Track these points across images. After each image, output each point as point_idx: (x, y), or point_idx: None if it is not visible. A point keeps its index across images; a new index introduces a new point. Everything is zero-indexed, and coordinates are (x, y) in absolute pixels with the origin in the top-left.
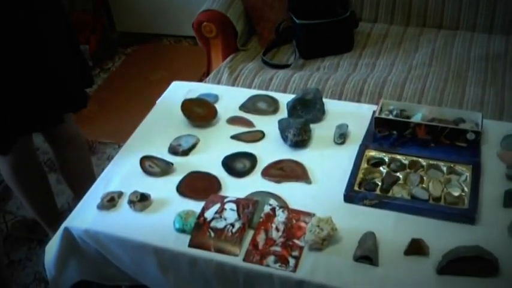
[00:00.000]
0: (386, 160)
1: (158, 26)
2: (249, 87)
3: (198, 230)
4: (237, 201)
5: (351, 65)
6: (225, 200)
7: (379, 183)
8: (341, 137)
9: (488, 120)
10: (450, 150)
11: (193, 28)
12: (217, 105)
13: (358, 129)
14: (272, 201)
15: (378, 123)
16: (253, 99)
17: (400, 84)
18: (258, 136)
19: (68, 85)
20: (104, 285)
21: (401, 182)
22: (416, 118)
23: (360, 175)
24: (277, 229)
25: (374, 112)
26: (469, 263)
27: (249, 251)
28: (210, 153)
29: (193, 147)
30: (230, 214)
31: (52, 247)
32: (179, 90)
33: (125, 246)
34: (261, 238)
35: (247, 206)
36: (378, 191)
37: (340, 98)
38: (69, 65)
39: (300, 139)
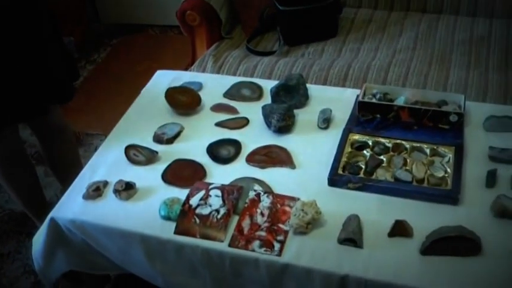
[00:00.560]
0: (370, 143)
1: (143, 16)
2: (234, 74)
3: (184, 217)
4: (222, 188)
5: (336, 50)
6: (210, 187)
7: (363, 167)
8: (325, 121)
9: (470, 102)
10: (433, 133)
11: (176, 17)
12: (201, 93)
13: (342, 114)
14: (257, 187)
15: (361, 107)
16: (237, 86)
17: (384, 68)
18: (242, 123)
19: (52, 75)
20: (92, 275)
21: (384, 164)
22: (400, 101)
23: (344, 159)
24: (262, 214)
25: (357, 96)
26: (452, 243)
27: (235, 236)
28: (194, 141)
29: (177, 135)
30: (215, 200)
31: (39, 238)
32: (163, 79)
33: (111, 235)
34: (246, 223)
35: (232, 192)
36: (361, 174)
37: (324, 84)
38: (52, 55)
39: (283, 124)
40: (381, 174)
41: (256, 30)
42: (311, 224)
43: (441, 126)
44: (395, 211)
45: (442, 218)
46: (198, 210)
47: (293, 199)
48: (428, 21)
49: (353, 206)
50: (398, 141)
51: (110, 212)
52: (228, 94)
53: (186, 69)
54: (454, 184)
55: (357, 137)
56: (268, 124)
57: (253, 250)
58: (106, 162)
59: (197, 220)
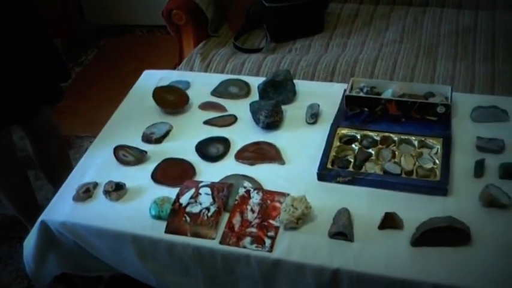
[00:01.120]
0: (358, 137)
1: (130, 17)
2: (222, 72)
3: (174, 215)
4: (212, 186)
5: (323, 45)
6: (200, 185)
7: (352, 160)
8: (313, 116)
9: (457, 93)
10: (421, 125)
11: (163, 16)
12: (189, 92)
13: (330, 109)
14: (246, 184)
15: (348, 101)
16: (224, 84)
17: (371, 62)
18: (231, 120)
19: (43, 76)
20: (85, 277)
21: (373, 158)
22: (387, 94)
23: (333, 153)
24: (252, 211)
25: (345, 90)
26: (442, 233)
27: (225, 233)
28: (183, 140)
29: (166, 134)
30: (205, 198)
31: (30, 241)
32: (151, 79)
33: (102, 236)
34: (236, 220)
35: (222, 189)
36: (350, 168)
37: (312, 79)
38: (42, 56)
39: (271, 121)
40: (369, 167)
41: (242, 27)
42: (301, 219)
43: (429, 118)
44: (385, 204)
45: (432, 209)
46: (188, 209)
47: (283, 195)
48: (414, 14)
49: (343, 200)
50: (386, 134)
51: (101, 213)
52: (215, 92)
53: (174, 68)
54: (442, 175)
55: (345, 131)
56: (257, 121)
57: (244, 247)
58: (95, 164)
59: (188, 218)
